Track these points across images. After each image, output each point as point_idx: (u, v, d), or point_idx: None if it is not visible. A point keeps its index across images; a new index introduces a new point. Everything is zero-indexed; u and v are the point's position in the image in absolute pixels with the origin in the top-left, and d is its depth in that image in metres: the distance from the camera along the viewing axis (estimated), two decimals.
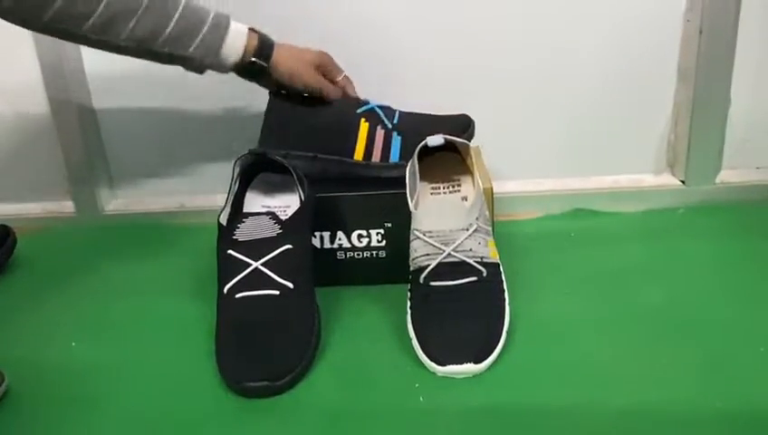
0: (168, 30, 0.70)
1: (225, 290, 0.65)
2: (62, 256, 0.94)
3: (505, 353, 0.64)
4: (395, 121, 0.80)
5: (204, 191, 1.01)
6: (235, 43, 0.74)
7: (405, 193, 0.71)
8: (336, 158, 0.79)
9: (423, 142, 0.73)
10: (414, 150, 0.73)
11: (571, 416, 0.56)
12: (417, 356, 0.64)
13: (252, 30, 0.76)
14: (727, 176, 0.95)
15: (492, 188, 0.79)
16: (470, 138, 0.80)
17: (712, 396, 0.57)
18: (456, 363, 0.61)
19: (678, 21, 0.90)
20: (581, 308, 0.71)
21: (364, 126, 0.79)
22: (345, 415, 0.58)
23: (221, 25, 0.73)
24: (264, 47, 0.76)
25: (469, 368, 0.61)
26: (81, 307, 0.79)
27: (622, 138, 0.96)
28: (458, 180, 0.78)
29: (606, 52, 0.92)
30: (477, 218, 0.67)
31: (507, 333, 0.65)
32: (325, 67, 0.81)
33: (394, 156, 0.78)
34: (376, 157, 0.78)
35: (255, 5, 0.89)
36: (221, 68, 0.76)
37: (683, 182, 0.95)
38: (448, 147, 0.75)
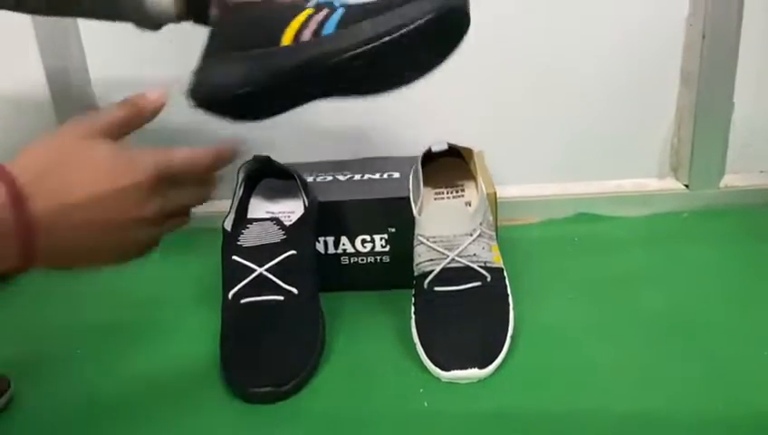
0: None
1: (230, 296, 0.66)
2: None
3: (510, 358, 0.64)
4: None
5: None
6: None
7: (409, 198, 0.72)
8: (257, 51, 0.58)
9: (427, 148, 0.73)
10: (356, 21, 0.56)
11: (574, 421, 0.56)
12: (421, 361, 0.64)
13: None
14: (731, 180, 0.95)
15: (495, 193, 0.79)
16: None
17: (715, 401, 0.57)
18: (461, 368, 0.61)
19: (681, 26, 0.90)
20: (585, 313, 0.71)
21: (306, 12, 0.59)
22: (350, 421, 0.58)
23: None
24: None
25: (473, 373, 0.61)
26: (85, 312, 0.79)
27: (625, 142, 0.96)
28: (462, 185, 0.78)
29: (609, 56, 0.92)
30: (481, 223, 0.67)
31: (511, 338, 0.65)
32: None
33: (328, 29, 0.57)
34: (305, 38, 0.57)
35: None
36: (163, 15, 0.63)
37: (686, 186, 0.95)
38: (452, 152, 0.76)
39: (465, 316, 0.64)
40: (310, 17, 0.57)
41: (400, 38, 0.54)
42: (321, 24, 0.57)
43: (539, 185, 0.98)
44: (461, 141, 0.76)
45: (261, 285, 0.65)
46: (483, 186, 0.73)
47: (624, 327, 0.68)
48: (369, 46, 0.55)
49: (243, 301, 0.65)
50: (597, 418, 0.56)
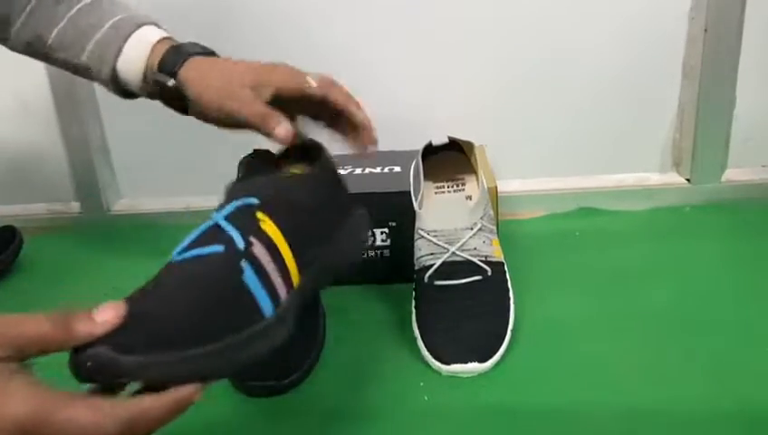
0: (56, 32, 0.59)
1: None
2: (67, 257, 0.95)
3: (510, 352, 0.64)
4: None
5: (209, 191, 1.00)
6: (135, 53, 0.58)
7: (409, 192, 0.71)
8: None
9: (428, 142, 0.73)
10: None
11: (576, 415, 0.56)
12: (421, 355, 0.64)
13: (168, 39, 0.60)
14: (733, 174, 0.94)
15: (496, 187, 0.79)
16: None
17: (718, 395, 0.56)
18: (461, 362, 0.61)
19: (683, 19, 0.89)
20: (587, 307, 0.71)
21: None
22: (350, 414, 0.58)
23: (121, 30, 0.58)
24: (170, 60, 0.57)
25: (474, 367, 0.61)
26: (88, 308, 0.79)
27: (627, 136, 0.96)
28: (462, 179, 0.78)
29: (610, 50, 0.91)
30: (482, 217, 0.67)
31: (512, 332, 0.65)
32: (274, 86, 0.55)
33: None
34: None
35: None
36: (129, 86, 0.61)
37: (688, 181, 0.95)
38: (452, 146, 0.75)
39: (466, 310, 0.64)
40: None
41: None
42: None
43: (540, 179, 0.98)
44: (462, 135, 0.76)
45: None
46: (484, 180, 0.73)
47: (625, 321, 0.68)
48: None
49: None
50: (598, 412, 0.56)
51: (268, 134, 0.55)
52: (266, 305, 0.45)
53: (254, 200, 0.49)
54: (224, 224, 0.47)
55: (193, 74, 0.56)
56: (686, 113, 0.93)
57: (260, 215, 0.48)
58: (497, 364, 0.62)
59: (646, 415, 0.55)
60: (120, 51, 0.58)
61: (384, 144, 0.91)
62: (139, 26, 0.59)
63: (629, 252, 0.82)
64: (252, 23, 0.92)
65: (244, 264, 0.45)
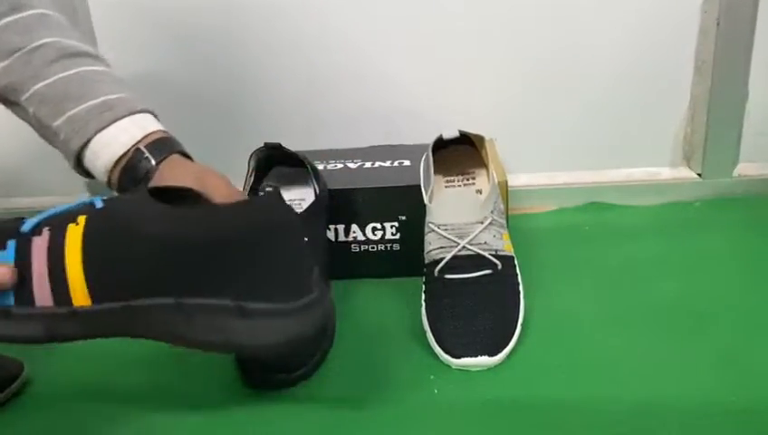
0: (36, 88, 0.55)
1: None
2: None
3: (520, 346, 0.64)
4: None
5: None
6: (117, 139, 0.55)
7: (419, 186, 0.72)
8: None
9: (438, 135, 0.73)
10: None
11: (585, 408, 0.56)
12: (431, 349, 0.64)
13: (156, 133, 0.56)
14: (745, 169, 0.94)
15: (506, 182, 0.79)
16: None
17: (728, 390, 0.56)
18: (471, 356, 0.61)
19: (695, 12, 0.89)
20: (596, 301, 0.70)
21: None
22: (359, 407, 0.58)
23: (112, 109, 0.55)
24: (159, 147, 0.55)
25: (484, 361, 0.61)
26: None
27: (638, 130, 0.95)
28: (473, 173, 0.77)
29: (622, 44, 0.91)
30: (492, 211, 0.67)
31: (522, 325, 0.65)
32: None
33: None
34: None
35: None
36: (95, 170, 0.57)
37: (700, 175, 0.94)
38: (463, 140, 0.75)
39: (476, 304, 0.64)
40: None
41: None
42: None
43: (550, 173, 0.98)
44: (472, 129, 0.76)
45: None
46: (494, 174, 0.73)
47: (635, 316, 0.68)
48: None
49: None
50: (608, 405, 0.56)
51: None
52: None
53: (99, 203, 0.47)
54: (60, 207, 0.47)
55: (167, 168, 0.55)
56: (697, 107, 0.93)
57: (81, 219, 0.46)
58: (507, 358, 0.62)
59: (655, 409, 0.55)
60: (99, 131, 0.55)
61: (394, 138, 0.92)
62: (131, 112, 0.56)
63: (640, 247, 0.82)
64: (256, 21, 0.92)
65: (10, 242, 0.45)
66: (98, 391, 0.63)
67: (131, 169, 0.55)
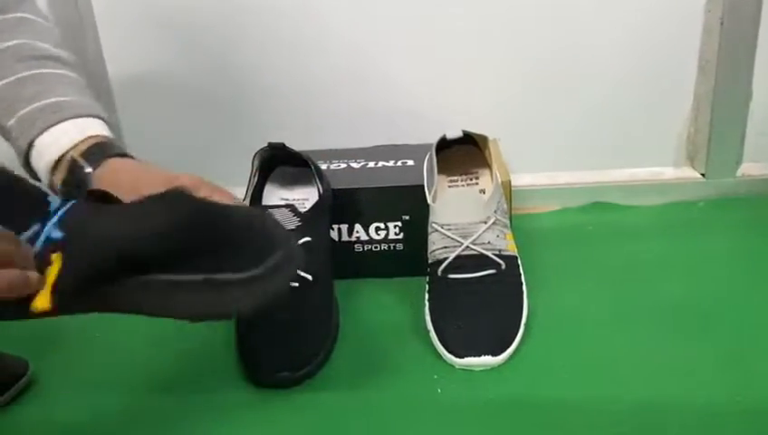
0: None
1: None
2: None
3: (523, 346, 0.64)
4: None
5: (223, 185, 1.01)
6: (57, 141, 0.55)
7: (423, 186, 0.72)
8: None
9: (442, 135, 0.73)
10: None
11: (588, 408, 0.56)
12: (435, 348, 0.64)
13: (96, 138, 0.56)
14: (748, 169, 0.94)
15: (510, 181, 0.79)
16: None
17: (732, 391, 0.56)
18: (475, 356, 0.61)
19: (699, 12, 0.89)
20: (600, 301, 0.71)
21: None
22: (363, 406, 0.59)
23: (59, 111, 0.55)
24: (95, 152, 0.55)
25: (487, 360, 0.61)
26: None
27: (641, 130, 0.95)
28: (476, 173, 0.78)
29: (625, 43, 0.91)
30: (495, 211, 0.67)
31: (525, 325, 0.65)
32: None
33: None
34: None
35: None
36: (39, 172, 0.56)
37: (703, 175, 0.94)
38: (466, 140, 0.75)
39: (480, 304, 0.64)
40: None
41: None
42: None
43: (554, 173, 0.98)
44: (476, 129, 0.76)
45: None
46: (497, 174, 0.73)
47: (639, 316, 0.68)
48: None
49: None
50: (611, 406, 0.56)
51: None
52: None
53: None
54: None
55: (106, 171, 0.55)
56: (701, 107, 0.93)
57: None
58: (510, 358, 0.62)
59: (658, 409, 0.55)
60: (42, 131, 0.55)
61: (398, 138, 0.92)
62: (79, 114, 0.56)
63: (643, 247, 0.82)
64: (258, 23, 0.92)
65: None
66: (102, 391, 0.63)
67: (69, 175, 0.55)
